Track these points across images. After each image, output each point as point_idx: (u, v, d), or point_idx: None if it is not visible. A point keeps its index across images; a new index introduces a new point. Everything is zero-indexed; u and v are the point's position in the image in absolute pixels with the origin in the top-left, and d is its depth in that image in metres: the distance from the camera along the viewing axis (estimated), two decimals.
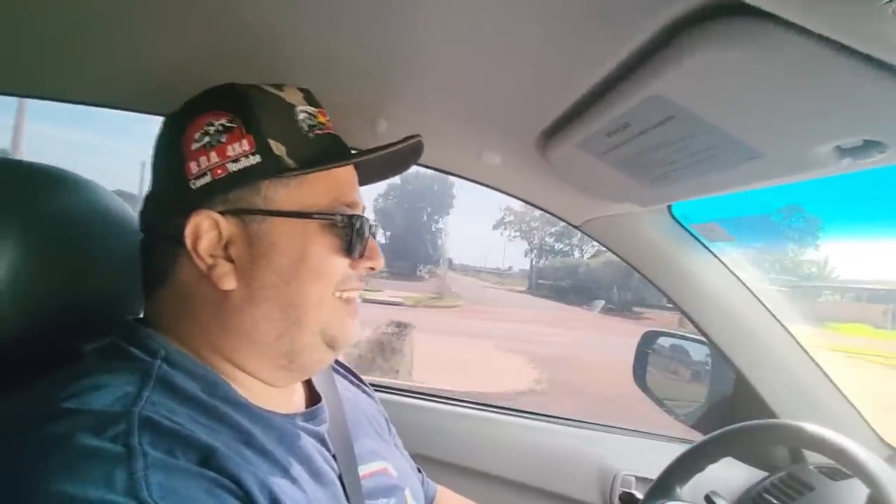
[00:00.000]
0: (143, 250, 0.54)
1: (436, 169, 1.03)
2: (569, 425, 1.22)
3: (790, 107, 0.46)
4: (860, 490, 0.64)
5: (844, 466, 0.67)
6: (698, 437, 0.87)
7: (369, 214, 0.58)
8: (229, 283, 0.50)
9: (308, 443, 0.54)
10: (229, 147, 0.50)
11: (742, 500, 0.95)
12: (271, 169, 0.50)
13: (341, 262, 0.54)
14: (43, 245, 0.51)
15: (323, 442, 0.57)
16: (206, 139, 0.50)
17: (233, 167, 0.50)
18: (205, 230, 0.49)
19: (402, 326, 11.38)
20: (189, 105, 0.54)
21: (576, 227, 1.08)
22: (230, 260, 0.50)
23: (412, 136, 0.58)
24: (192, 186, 0.49)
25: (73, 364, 0.47)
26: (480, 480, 1.14)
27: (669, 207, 0.97)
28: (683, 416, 1.16)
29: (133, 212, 0.64)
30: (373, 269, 0.57)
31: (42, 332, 0.53)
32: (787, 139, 0.51)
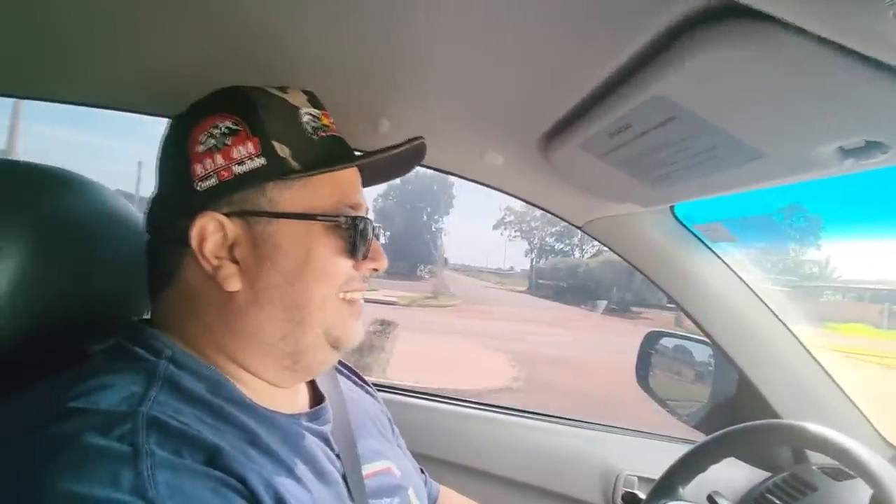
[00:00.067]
0: (148, 251, 0.55)
1: (438, 170, 1.04)
2: (572, 425, 1.22)
3: (792, 108, 0.46)
4: (863, 490, 0.64)
5: (847, 467, 0.67)
6: (701, 438, 0.87)
7: (369, 214, 0.58)
8: (234, 284, 0.50)
9: (312, 442, 0.54)
10: (234, 149, 0.50)
11: (745, 501, 0.95)
12: (276, 171, 0.51)
13: (345, 264, 0.54)
14: (49, 246, 0.52)
15: (327, 442, 0.57)
16: (212, 142, 0.50)
17: (238, 169, 0.50)
18: (210, 232, 0.50)
19: (385, 324, 11.45)
20: (194, 107, 0.54)
21: (578, 227, 1.08)
22: (235, 261, 0.51)
23: (415, 139, 0.58)
24: (198, 188, 0.50)
25: (79, 364, 0.47)
26: (483, 480, 1.15)
27: (672, 208, 0.97)
28: (686, 416, 1.16)
29: (137, 213, 0.64)
30: (376, 269, 0.58)
31: (48, 333, 0.53)
32: (789, 140, 0.51)
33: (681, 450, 0.85)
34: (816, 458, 0.92)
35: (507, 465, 1.16)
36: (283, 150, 0.51)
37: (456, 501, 0.84)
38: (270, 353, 0.52)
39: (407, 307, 17.69)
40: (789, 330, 0.99)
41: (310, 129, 0.54)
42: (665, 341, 1.23)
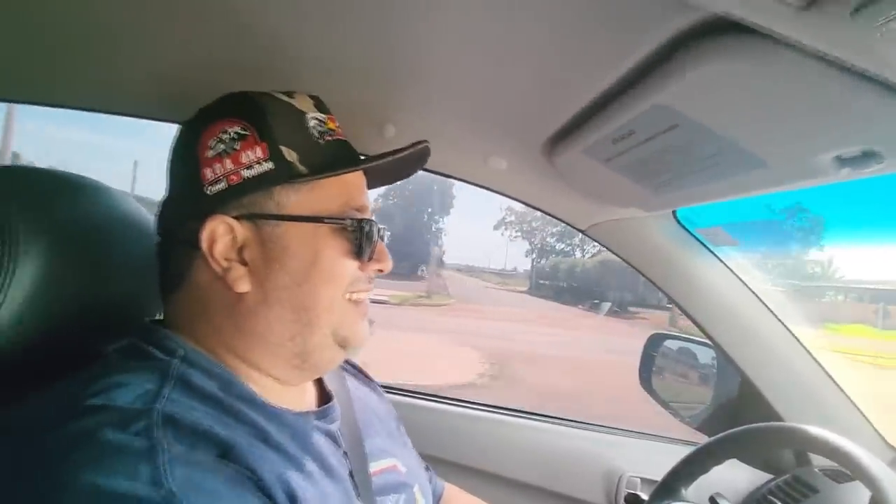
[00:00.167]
0: (159, 254, 0.56)
1: (442, 174, 1.04)
2: (574, 427, 1.23)
3: (790, 119, 0.47)
4: (864, 493, 0.65)
5: (846, 469, 0.67)
6: (703, 440, 0.88)
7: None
8: (244, 285, 0.51)
9: (320, 440, 0.55)
10: (243, 154, 0.51)
11: (746, 502, 0.96)
12: (284, 175, 0.52)
13: (351, 265, 0.55)
14: (66, 249, 0.53)
15: (334, 439, 0.58)
16: (221, 146, 0.51)
17: (247, 174, 0.51)
18: (220, 234, 0.51)
19: None
20: (203, 113, 0.55)
21: (581, 231, 1.09)
22: (244, 263, 0.52)
23: (420, 142, 0.59)
24: (208, 192, 0.51)
25: (95, 364, 0.49)
26: (487, 481, 1.15)
27: (674, 212, 0.98)
28: (688, 418, 1.16)
29: (149, 216, 0.65)
30: (381, 270, 0.59)
31: (65, 333, 0.54)
32: (787, 149, 0.52)
33: (683, 451, 0.86)
34: (818, 461, 0.93)
35: (511, 466, 1.17)
36: (290, 155, 0.52)
37: (460, 499, 0.85)
38: (279, 353, 0.54)
39: (398, 306, 17.64)
40: (791, 332, 0.99)
41: (316, 134, 0.55)
42: (668, 343, 1.24)
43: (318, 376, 0.63)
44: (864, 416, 0.97)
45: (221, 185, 0.51)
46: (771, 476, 0.98)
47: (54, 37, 0.68)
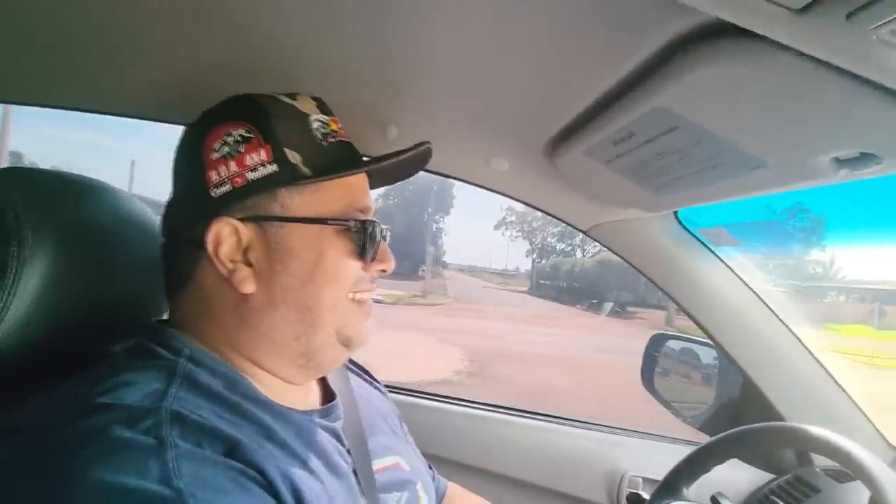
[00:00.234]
0: (164, 255, 0.57)
1: (445, 175, 1.05)
2: (577, 427, 1.23)
3: (788, 121, 0.47)
4: (866, 493, 0.65)
5: (847, 469, 0.67)
6: (705, 440, 0.88)
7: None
8: (249, 286, 0.52)
9: (324, 438, 0.56)
10: (248, 157, 0.52)
11: (748, 502, 0.96)
12: (288, 177, 0.52)
13: (355, 266, 0.56)
14: (72, 250, 0.54)
15: (338, 437, 0.59)
16: (226, 149, 0.52)
17: (251, 176, 0.52)
18: (225, 236, 0.52)
19: None
20: (208, 115, 0.56)
21: (583, 231, 1.09)
22: (249, 264, 0.52)
23: (422, 144, 0.60)
24: (213, 195, 0.52)
25: (102, 363, 0.50)
26: (490, 480, 1.16)
27: (676, 213, 0.98)
28: (690, 418, 1.16)
29: (155, 217, 0.66)
30: (384, 271, 0.60)
31: (73, 332, 0.55)
32: (786, 151, 0.52)
33: (685, 451, 0.86)
34: (820, 461, 0.93)
35: (513, 465, 1.17)
36: (294, 157, 0.53)
37: (463, 498, 0.85)
38: (284, 352, 0.54)
39: (393, 305, 17.58)
40: (793, 332, 0.99)
41: (319, 136, 0.56)
42: (670, 344, 1.24)
43: (322, 375, 0.64)
44: (865, 416, 0.97)
45: (226, 188, 0.51)
46: (772, 476, 0.98)
47: (61, 41, 0.69)
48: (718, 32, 0.43)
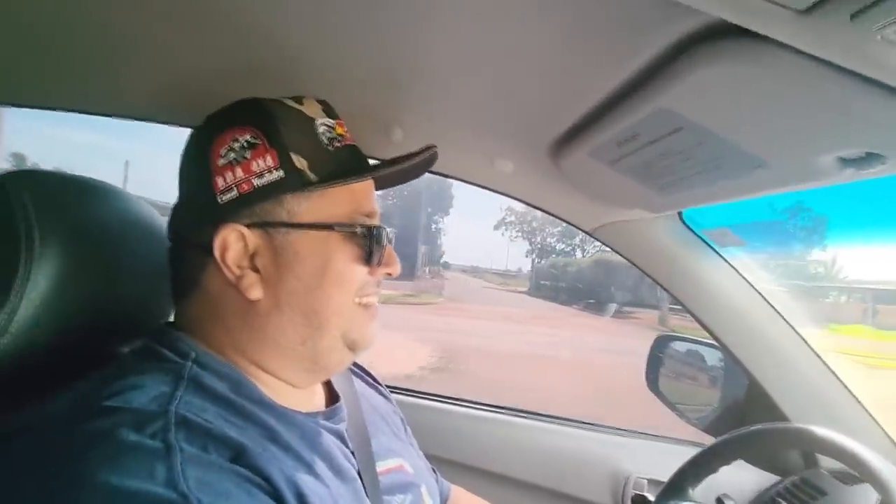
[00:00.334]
0: (171, 259, 0.57)
1: (449, 176, 1.05)
2: (581, 428, 1.23)
3: (792, 121, 0.47)
4: (873, 495, 0.64)
5: (855, 470, 0.67)
6: (710, 441, 0.88)
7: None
8: (256, 292, 0.52)
9: (328, 440, 0.56)
10: (254, 163, 0.52)
11: None
12: (294, 183, 0.53)
13: (361, 270, 0.56)
14: (80, 252, 0.54)
15: (342, 439, 0.59)
16: (232, 155, 0.52)
17: (258, 182, 0.52)
18: (232, 242, 0.52)
19: None
20: (214, 119, 0.56)
21: (587, 232, 1.09)
22: (256, 270, 0.53)
23: (428, 148, 0.60)
24: (220, 201, 0.52)
25: (110, 365, 0.50)
26: (494, 482, 1.16)
27: (680, 213, 0.98)
28: (696, 419, 1.16)
29: (161, 220, 0.67)
30: (390, 274, 0.60)
31: (82, 334, 0.56)
32: (791, 150, 0.52)
33: (690, 453, 0.86)
34: (827, 463, 0.92)
35: (518, 467, 1.17)
36: (300, 163, 0.53)
37: (467, 500, 0.85)
38: (290, 356, 0.55)
39: (382, 304, 17.21)
40: (798, 333, 0.99)
41: (325, 140, 0.56)
42: (675, 345, 1.24)
43: (327, 378, 0.64)
44: (872, 417, 0.96)
45: (233, 194, 0.52)
46: (778, 478, 0.97)
47: (67, 43, 0.69)
48: (722, 33, 0.43)
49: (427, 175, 0.73)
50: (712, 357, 1.14)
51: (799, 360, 0.99)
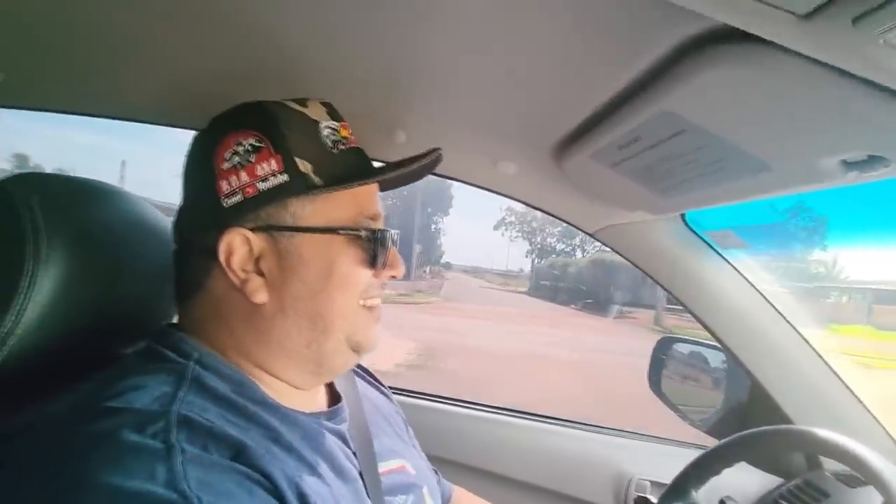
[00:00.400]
0: (176, 261, 0.57)
1: (452, 178, 1.05)
2: (585, 429, 1.23)
3: (795, 124, 0.47)
4: (877, 497, 0.64)
5: (858, 473, 0.67)
6: (713, 444, 0.88)
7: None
8: (261, 296, 0.52)
9: (331, 441, 0.56)
10: (258, 167, 0.52)
11: None
12: (299, 187, 0.52)
13: (365, 273, 0.56)
14: (85, 254, 0.54)
15: (344, 440, 0.59)
16: (237, 159, 0.52)
17: (262, 186, 0.52)
18: (237, 246, 0.52)
19: None
20: (218, 123, 0.56)
21: (590, 234, 1.09)
22: (261, 274, 0.53)
23: (432, 151, 0.60)
24: (224, 205, 0.52)
25: (113, 366, 0.50)
26: (496, 483, 1.16)
27: (683, 215, 0.98)
28: (699, 421, 1.16)
29: (166, 222, 0.67)
30: (395, 276, 0.60)
31: (86, 335, 0.56)
32: (793, 153, 0.52)
33: (693, 455, 0.86)
34: (830, 465, 0.92)
35: (520, 468, 1.17)
36: (304, 166, 0.53)
37: (468, 501, 0.85)
38: (295, 359, 0.55)
39: None
40: (801, 335, 0.99)
41: (329, 143, 0.56)
42: (678, 347, 1.23)
43: (331, 379, 0.64)
44: (875, 418, 0.96)
45: (237, 198, 0.52)
46: (781, 480, 0.97)
47: (71, 46, 0.70)
48: (725, 37, 0.43)
49: (428, 177, 0.73)
50: (715, 359, 1.14)
51: (801, 361, 0.99)
